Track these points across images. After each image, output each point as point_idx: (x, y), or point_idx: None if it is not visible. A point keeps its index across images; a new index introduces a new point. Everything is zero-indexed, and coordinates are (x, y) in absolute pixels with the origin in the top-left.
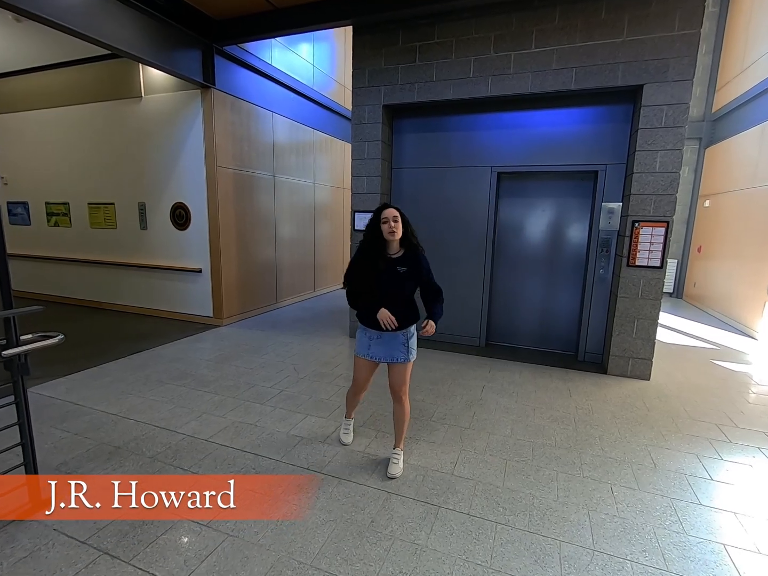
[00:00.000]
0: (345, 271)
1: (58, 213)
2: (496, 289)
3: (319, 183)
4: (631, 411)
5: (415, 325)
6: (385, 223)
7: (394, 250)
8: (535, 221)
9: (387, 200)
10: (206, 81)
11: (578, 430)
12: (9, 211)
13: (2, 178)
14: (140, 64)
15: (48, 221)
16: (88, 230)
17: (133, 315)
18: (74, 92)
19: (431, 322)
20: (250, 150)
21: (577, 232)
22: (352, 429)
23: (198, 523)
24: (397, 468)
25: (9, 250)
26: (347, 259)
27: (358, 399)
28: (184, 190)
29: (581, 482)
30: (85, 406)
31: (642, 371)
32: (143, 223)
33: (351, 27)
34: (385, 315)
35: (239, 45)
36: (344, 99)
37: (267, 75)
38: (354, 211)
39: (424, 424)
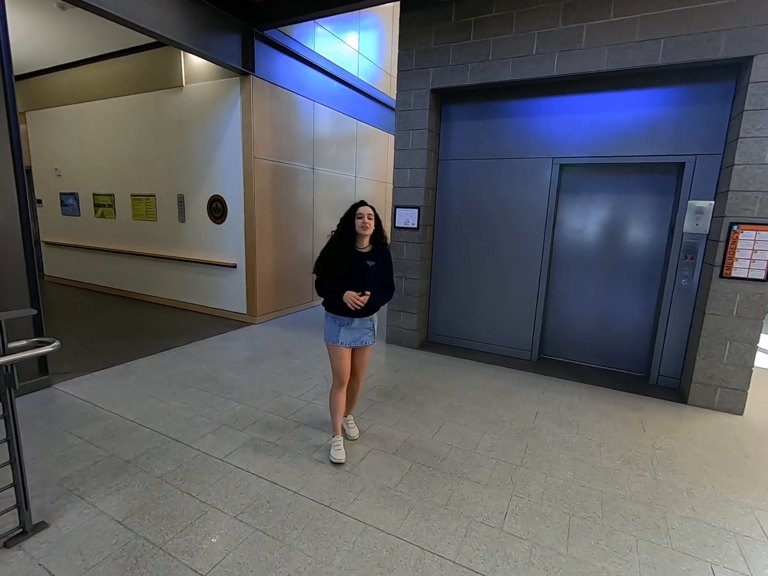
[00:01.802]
0: (315, 260)
1: (104, 204)
2: (553, 297)
3: (361, 177)
4: (725, 456)
5: (377, 312)
6: (359, 218)
7: (364, 245)
8: (602, 221)
9: (433, 195)
10: (245, 68)
11: (658, 479)
12: (61, 201)
13: (56, 169)
14: (182, 53)
15: (95, 212)
16: (131, 222)
17: (169, 308)
18: (120, 83)
19: (368, 293)
20: (290, 141)
21: (653, 235)
22: (343, 445)
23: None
24: (355, 430)
25: (60, 240)
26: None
27: (344, 399)
28: (221, 182)
29: (670, 557)
30: (104, 409)
31: (733, 403)
32: (182, 215)
33: (399, 4)
34: (350, 296)
35: (280, 30)
36: (390, 89)
37: (309, 62)
38: (395, 207)
39: (466, 456)
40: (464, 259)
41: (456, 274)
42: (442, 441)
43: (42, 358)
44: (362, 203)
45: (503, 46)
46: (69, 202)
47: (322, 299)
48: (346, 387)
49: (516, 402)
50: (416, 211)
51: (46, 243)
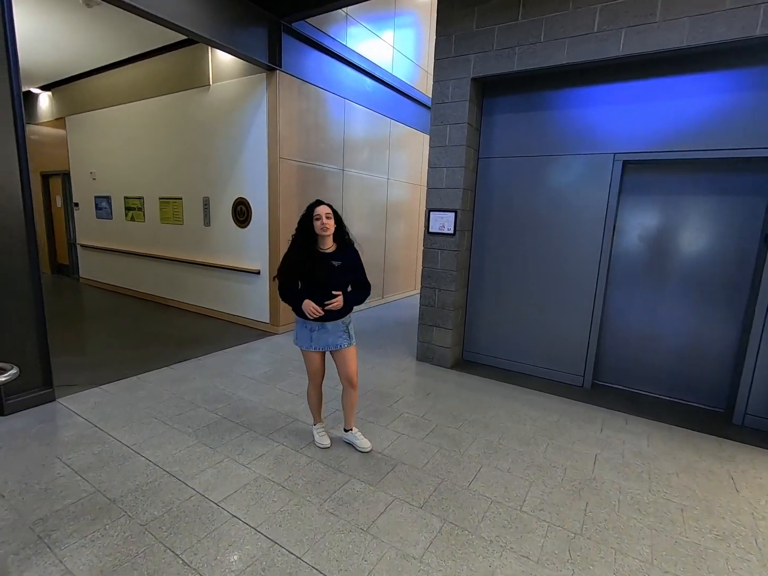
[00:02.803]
0: (279, 265)
1: (134, 207)
2: (611, 314)
3: (394, 179)
4: None
5: (350, 313)
6: (317, 219)
7: (327, 245)
8: (673, 227)
9: (471, 197)
10: (272, 62)
11: None
12: (96, 205)
13: (92, 173)
14: (210, 51)
15: (126, 215)
16: (158, 225)
17: (193, 315)
18: (151, 85)
19: (341, 296)
20: (318, 140)
21: (741, 245)
22: (326, 431)
23: None
24: (365, 441)
25: (93, 243)
26: (421, 261)
27: (320, 395)
28: (245, 184)
29: None
30: (102, 430)
31: None
32: (207, 218)
33: None
34: (309, 306)
35: (310, 23)
36: (427, 86)
37: (340, 57)
38: (429, 210)
39: (512, 517)
40: (506, 268)
41: (496, 286)
42: (480, 492)
43: (46, 369)
44: (318, 203)
45: (558, 25)
46: (102, 206)
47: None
48: (321, 385)
49: (569, 442)
50: (453, 214)
51: (81, 246)
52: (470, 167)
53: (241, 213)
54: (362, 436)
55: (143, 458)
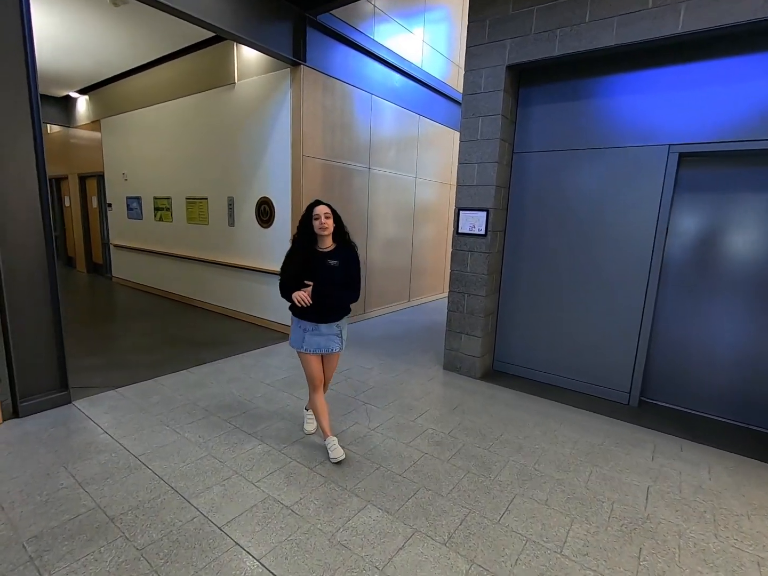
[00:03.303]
0: (281, 264)
1: (162, 208)
2: (662, 324)
3: (422, 178)
4: None
5: (347, 317)
6: (316, 219)
7: (326, 244)
8: (735, 227)
9: (505, 195)
10: (296, 57)
11: None
12: (127, 205)
13: (123, 174)
14: (235, 48)
15: (155, 216)
16: (185, 226)
17: (216, 315)
18: (178, 85)
19: (311, 287)
20: (343, 137)
21: None
22: (337, 443)
23: None
24: (340, 451)
25: (124, 243)
26: (449, 263)
27: (323, 401)
28: (269, 183)
29: None
30: (112, 437)
31: None
32: (231, 219)
33: None
34: (297, 295)
35: (336, 15)
36: (458, 82)
37: (368, 51)
38: (458, 209)
39: (550, 562)
40: (542, 272)
41: (531, 291)
42: (513, 527)
43: (63, 371)
44: (317, 203)
45: (606, 3)
46: (133, 206)
47: (290, 306)
48: (322, 389)
49: (615, 470)
50: (484, 214)
51: (114, 245)
52: (504, 163)
53: (265, 213)
54: (313, 420)
55: (149, 470)
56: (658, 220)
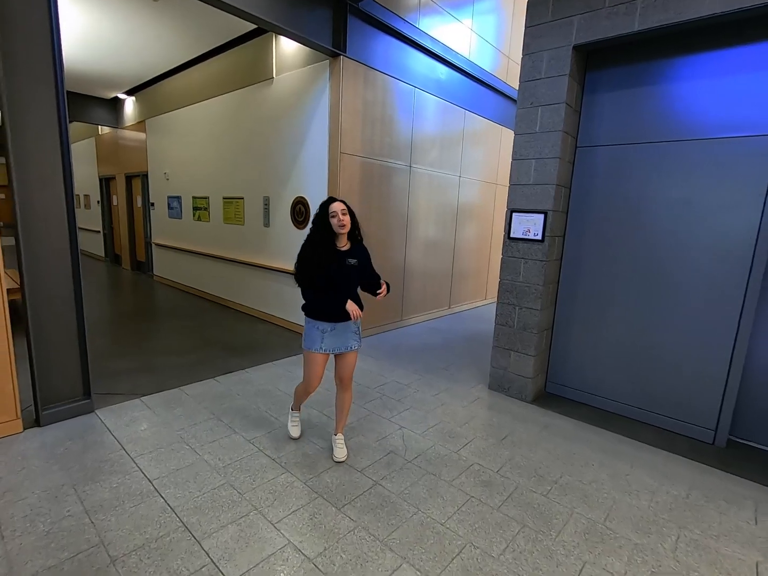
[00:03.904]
0: (295, 265)
1: (200, 207)
2: (763, 348)
3: (466, 177)
4: None
5: (379, 297)
6: (333, 216)
7: (343, 243)
8: None
9: (566, 196)
10: (336, 47)
11: None
12: (168, 204)
13: (165, 173)
14: (274, 42)
15: (193, 215)
16: (222, 225)
17: (250, 318)
18: (218, 83)
19: (385, 284)
20: (383, 133)
21: None
22: (299, 421)
23: None
24: (343, 451)
25: (164, 242)
26: (493, 268)
27: (309, 395)
28: (305, 182)
29: None
30: (128, 455)
31: None
32: (266, 219)
33: None
34: (354, 307)
35: (378, 1)
36: (508, 74)
37: (412, 41)
38: (511, 211)
39: None
40: (608, 285)
41: (594, 306)
42: None
43: (85, 378)
44: (332, 200)
45: None
46: (174, 205)
47: (303, 306)
48: (315, 390)
49: (709, 535)
50: (541, 217)
51: (155, 244)
52: (566, 158)
53: (300, 213)
54: (343, 445)
55: (161, 499)
56: (761, 225)
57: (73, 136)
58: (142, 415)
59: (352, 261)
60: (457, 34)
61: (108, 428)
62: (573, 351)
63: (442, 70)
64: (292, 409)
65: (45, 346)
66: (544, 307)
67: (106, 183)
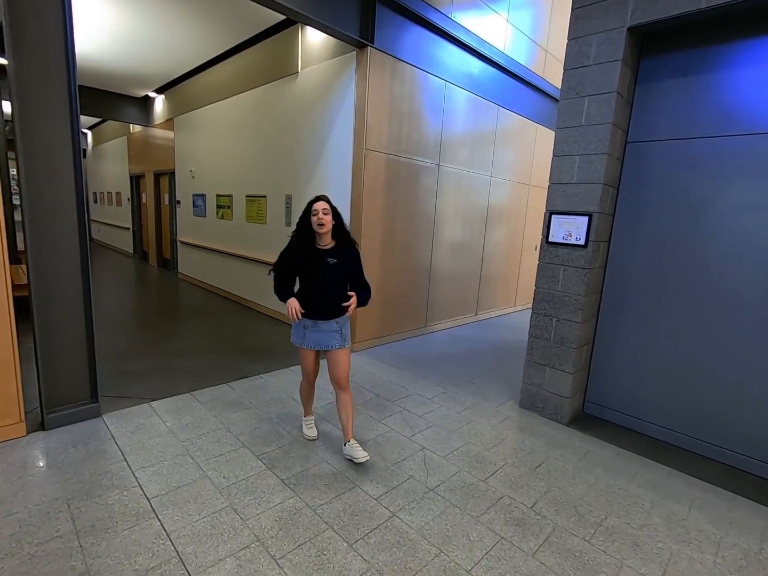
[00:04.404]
0: (276, 261)
1: (224, 206)
2: None
3: (498, 177)
4: None
5: (347, 314)
6: (314, 215)
7: (325, 242)
8: None
9: (613, 197)
10: (363, 38)
11: None
12: (193, 203)
13: (191, 171)
14: (299, 34)
15: (217, 213)
16: (244, 224)
17: (270, 320)
18: (243, 79)
19: (354, 298)
20: (411, 129)
21: None
22: (314, 424)
23: None
24: (362, 452)
25: (188, 240)
26: (524, 273)
27: (312, 390)
28: (329, 180)
29: None
30: (129, 468)
31: None
32: (288, 218)
33: None
34: (291, 305)
35: None
36: (545, 69)
37: (444, 32)
38: (550, 213)
39: None
40: (660, 296)
41: (643, 319)
42: None
43: (93, 380)
44: (317, 199)
45: None
46: (198, 203)
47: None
48: (314, 382)
49: None
50: (585, 220)
51: (180, 242)
52: (615, 155)
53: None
54: (359, 448)
55: (157, 522)
56: None
57: (107, 134)
58: (149, 422)
59: (332, 260)
60: (493, 26)
61: (112, 435)
62: (617, 369)
63: (475, 63)
64: (304, 416)
65: (51, 346)
66: (585, 320)
67: (136, 181)
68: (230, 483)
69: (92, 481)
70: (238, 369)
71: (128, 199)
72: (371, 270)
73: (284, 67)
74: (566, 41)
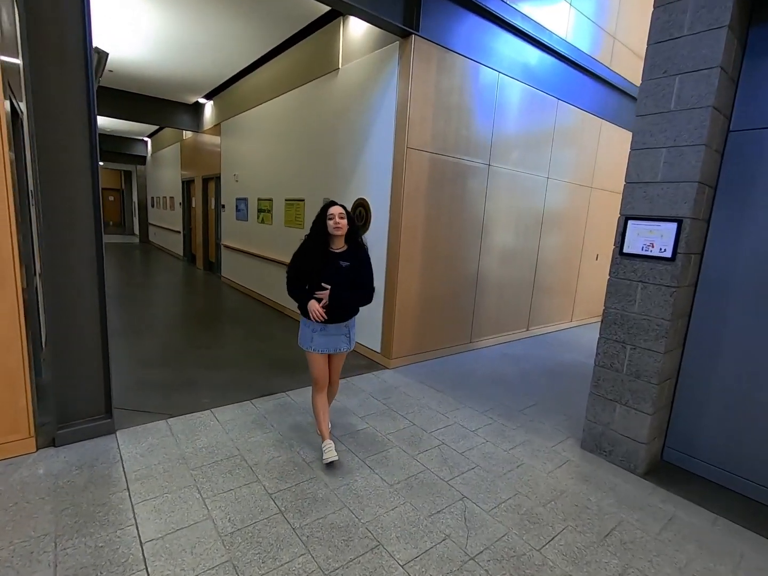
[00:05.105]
0: (289, 262)
1: (264, 210)
2: None
3: (556, 178)
4: None
5: (355, 317)
6: (330, 219)
7: (339, 245)
8: None
9: (709, 198)
10: (407, 26)
11: None
12: (236, 207)
13: (234, 175)
14: (341, 28)
15: (257, 217)
16: (282, 229)
17: None
18: (285, 79)
19: (328, 291)
20: (459, 126)
21: None
22: (333, 445)
23: None
24: (333, 453)
25: (231, 244)
26: (583, 285)
27: (325, 403)
28: (367, 182)
29: None
30: (130, 500)
31: None
32: None
33: None
34: (313, 306)
35: None
36: (612, 58)
37: (498, 17)
38: (626, 218)
39: None
40: None
41: (746, 351)
42: None
43: (107, 394)
44: (332, 203)
45: None
46: (241, 207)
47: (299, 305)
48: (326, 390)
49: None
50: (673, 227)
51: (224, 246)
52: (713, 146)
53: (360, 217)
54: (332, 447)
55: None
56: None
57: (163, 141)
58: (161, 443)
59: (344, 263)
60: (553, 11)
61: (121, 457)
62: (710, 410)
63: (532, 53)
64: (323, 442)
65: (63, 359)
66: (669, 349)
67: (187, 185)
68: (235, 529)
69: (88, 513)
70: (265, 384)
71: (180, 203)
72: (409, 279)
73: (325, 64)
74: (650, 12)
